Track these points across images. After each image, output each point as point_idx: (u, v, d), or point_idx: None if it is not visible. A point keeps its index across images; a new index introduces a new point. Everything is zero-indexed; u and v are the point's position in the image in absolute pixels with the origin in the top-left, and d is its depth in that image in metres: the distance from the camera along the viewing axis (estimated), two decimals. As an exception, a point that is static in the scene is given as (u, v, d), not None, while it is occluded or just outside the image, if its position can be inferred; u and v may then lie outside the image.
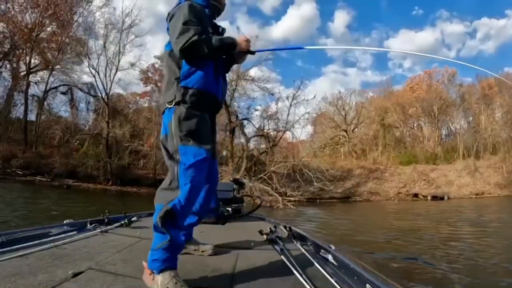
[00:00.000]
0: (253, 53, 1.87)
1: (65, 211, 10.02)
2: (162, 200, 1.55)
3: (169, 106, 1.65)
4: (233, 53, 1.83)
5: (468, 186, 25.96)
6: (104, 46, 23.29)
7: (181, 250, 1.69)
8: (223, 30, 1.96)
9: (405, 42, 61.47)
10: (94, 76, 23.19)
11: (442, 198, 23.27)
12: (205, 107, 1.70)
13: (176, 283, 1.38)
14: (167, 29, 1.76)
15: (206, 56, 1.66)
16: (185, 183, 1.54)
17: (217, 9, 1.97)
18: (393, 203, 21.74)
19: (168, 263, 1.45)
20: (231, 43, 1.75)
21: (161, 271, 1.42)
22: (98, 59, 23.08)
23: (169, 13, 1.78)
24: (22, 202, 11.43)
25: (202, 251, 2.04)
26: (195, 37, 1.58)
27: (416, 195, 24.25)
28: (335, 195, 22.45)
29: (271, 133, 24.17)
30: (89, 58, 23.08)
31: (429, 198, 23.54)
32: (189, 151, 1.58)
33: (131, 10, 23.86)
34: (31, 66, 24.53)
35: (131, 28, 24.00)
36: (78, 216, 3.19)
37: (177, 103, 1.62)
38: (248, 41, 1.82)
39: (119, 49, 23.37)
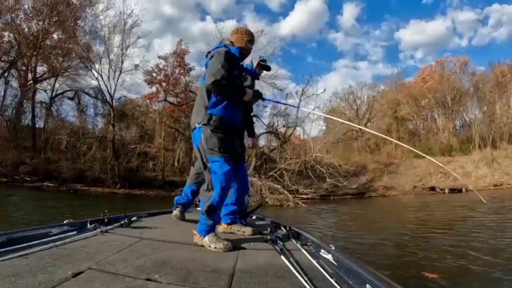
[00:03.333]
0: (263, 99, 2.88)
1: (72, 216, 9.66)
2: (205, 197, 2.33)
3: (198, 126, 2.41)
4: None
5: (486, 177, 25.03)
6: (107, 49, 23.24)
7: (218, 223, 2.49)
8: (246, 75, 2.82)
9: (416, 33, 60.30)
10: (97, 79, 23.25)
11: (460, 191, 22.38)
12: (225, 129, 2.36)
13: (217, 239, 2.17)
14: (206, 65, 2.45)
15: (224, 95, 2.35)
16: (216, 186, 2.27)
17: (244, 54, 2.64)
18: (410, 197, 21.08)
19: (210, 230, 2.23)
20: (242, 93, 2.44)
21: (206, 234, 2.20)
22: (100, 61, 23.02)
23: (209, 52, 2.47)
24: (30, 208, 11.24)
25: (243, 232, 2.59)
26: (220, 81, 2.23)
27: (433, 188, 23.51)
28: (349, 191, 21.99)
29: (281, 129, 23.69)
30: (91, 61, 23.02)
31: (446, 191, 22.76)
32: (216, 161, 2.29)
33: (132, 11, 23.66)
34: (38, 74, 24.60)
35: (132, 29, 23.83)
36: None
37: (204, 124, 2.34)
38: (253, 94, 2.54)
39: (122, 50, 23.27)
